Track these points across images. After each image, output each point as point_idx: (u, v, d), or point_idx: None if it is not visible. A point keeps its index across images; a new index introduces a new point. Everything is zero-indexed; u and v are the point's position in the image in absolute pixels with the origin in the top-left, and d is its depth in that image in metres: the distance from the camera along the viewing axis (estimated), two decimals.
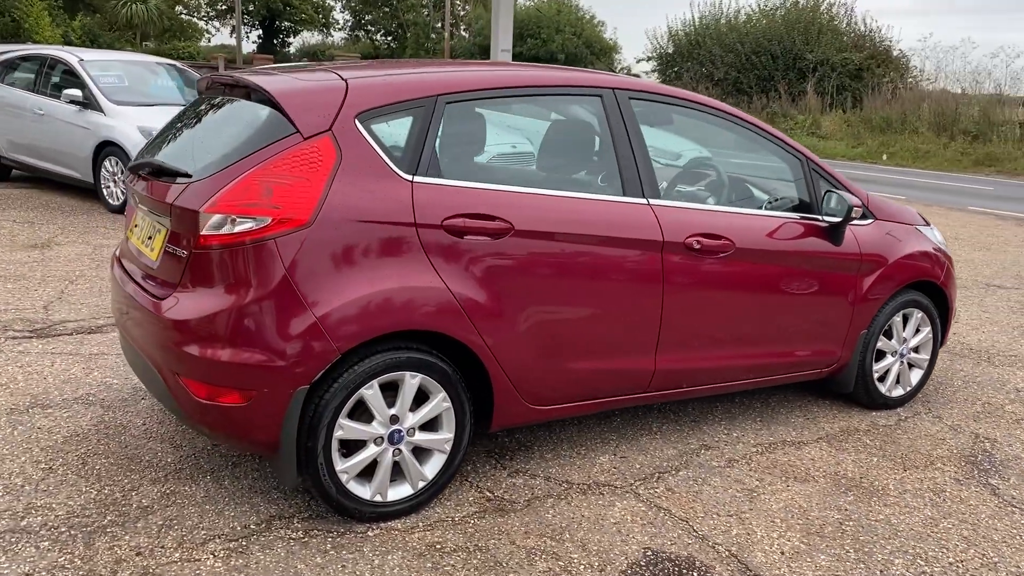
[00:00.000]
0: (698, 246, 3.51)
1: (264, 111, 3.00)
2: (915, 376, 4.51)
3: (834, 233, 3.95)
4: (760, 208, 3.91)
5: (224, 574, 2.71)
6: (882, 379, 4.37)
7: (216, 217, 2.78)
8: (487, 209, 3.08)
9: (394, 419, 3.02)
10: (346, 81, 3.03)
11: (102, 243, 7.42)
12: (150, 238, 3.16)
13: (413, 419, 3.05)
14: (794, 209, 3.95)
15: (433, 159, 3.06)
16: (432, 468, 3.14)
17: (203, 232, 2.80)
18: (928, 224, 4.60)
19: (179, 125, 3.51)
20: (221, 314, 2.78)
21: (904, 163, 21.01)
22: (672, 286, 3.48)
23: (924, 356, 4.52)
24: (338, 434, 2.92)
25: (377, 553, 2.88)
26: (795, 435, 4.05)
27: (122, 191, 8.58)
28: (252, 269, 2.78)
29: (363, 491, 3.01)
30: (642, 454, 3.73)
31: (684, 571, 2.86)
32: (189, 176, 2.93)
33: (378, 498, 3.04)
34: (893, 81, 25.14)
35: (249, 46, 44.20)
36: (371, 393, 2.95)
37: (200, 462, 3.47)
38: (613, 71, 33.39)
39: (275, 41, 48.22)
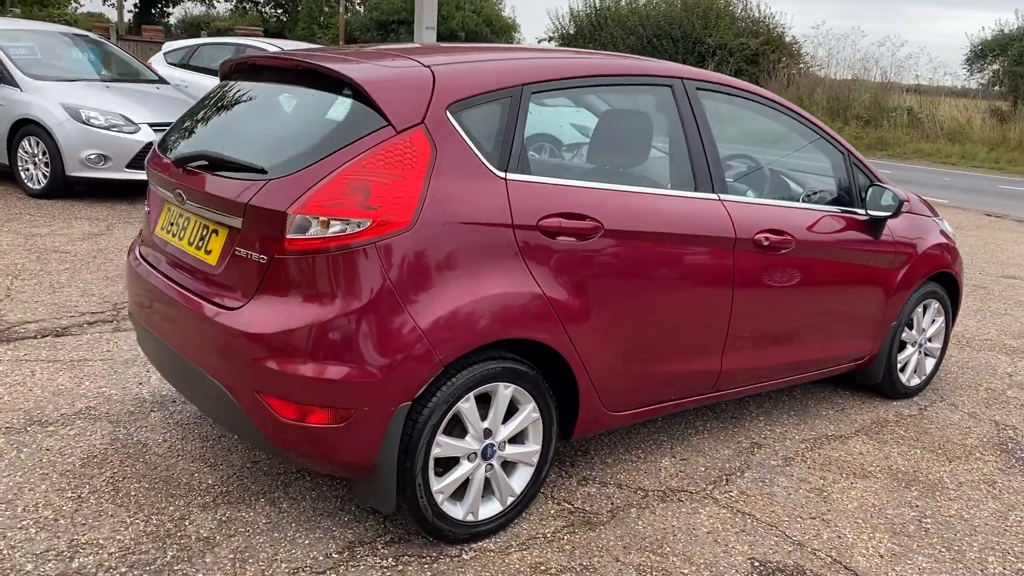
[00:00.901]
0: (767, 243, 3.43)
1: (344, 101, 2.71)
2: (929, 365, 4.59)
3: (875, 227, 3.95)
4: (797, 201, 3.86)
5: None
6: (902, 369, 4.43)
7: (305, 219, 2.49)
8: (579, 208, 2.89)
9: (487, 433, 2.81)
10: (430, 68, 2.78)
11: (32, 232, 6.77)
12: (202, 239, 2.83)
13: (505, 432, 2.86)
14: (833, 202, 3.92)
15: (523, 154, 2.85)
16: (519, 482, 2.95)
17: (289, 235, 2.50)
18: (937, 215, 4.68)
19: (213, 113, 3.17)
20: (315, 326, 2.50)
21: None
22: (740, 284, 3.39)
23: (937, 345, 4.61)
24: (435, 452, 2.70)
25: None
26: (834, 429, 4.05)
27: (44, 174, 7.88)
28: (349, 276, 2.51)
29: (456, 511, 2.80)
30: (700, 455, 3.64)
31: None
32: (264, 172, 2.62)
33: (470, 518, 2.84)
34: (788, 67, 25.97)
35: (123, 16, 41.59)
36: (468, 407, 2.74)
37: (246, 482, 3.16)
38: None
39: (153, 11, 45.66)
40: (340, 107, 2.73)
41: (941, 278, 4.49)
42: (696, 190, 3.29)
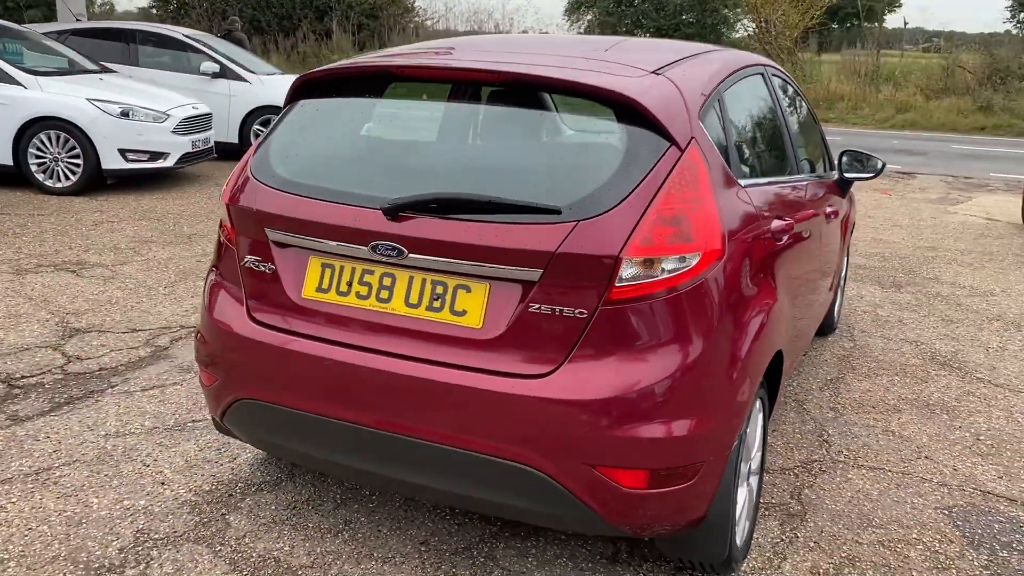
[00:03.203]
0: (830, 212, 3.67)
1: (602, 121, 2.37)
2: (839, 301, 5.24)
3: (845, 187, 4.37)
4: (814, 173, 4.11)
5: None
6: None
7: (633, 262, 2.17)
8: (781, 208, 2.88)
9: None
10: (661, 75, 2.51)
11: None
12: (438, 298, 2.31)
13: (756, 445, 2.79)
14: (812, 169, 4.26)
15: (735, 157, 2.73)
16: (753, 492, 2.90)
17: (618, 283, 2.17)
18: None
19: (385, 137, 2.57)
20: (660, 380, 2.21)
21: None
22: (816, 253, 3.61)
23: (841, 283, 5.26)
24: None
25: None
26: (824, 372, 4.49)
27: None
28: (685, 318, 2.24)
29: (737, 538, 2.68)
30: (779, 423, 3.83)
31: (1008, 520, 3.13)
32: (557, 212, 2.21)
33: (741, 541, 2.73)
34: (407, 20, 26.44)
35: None
36: (750, 430, 2.62)
37: (455, 570, 2.69)
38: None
39: None
40: (604, 126, 2.38)
41: None
42: (798, 172, 3.42)
